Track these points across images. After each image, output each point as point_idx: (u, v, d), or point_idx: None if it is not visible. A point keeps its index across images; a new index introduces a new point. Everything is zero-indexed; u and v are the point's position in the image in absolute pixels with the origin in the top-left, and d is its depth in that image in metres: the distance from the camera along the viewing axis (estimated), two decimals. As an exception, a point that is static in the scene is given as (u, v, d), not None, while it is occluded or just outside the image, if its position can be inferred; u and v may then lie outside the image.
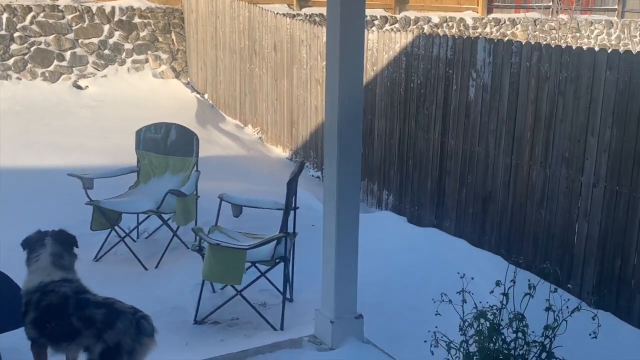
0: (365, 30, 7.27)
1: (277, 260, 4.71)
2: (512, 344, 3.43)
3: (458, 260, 5.16)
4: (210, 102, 11.16)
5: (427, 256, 5.45)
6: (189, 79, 11.75)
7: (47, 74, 10.62)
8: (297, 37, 8.53)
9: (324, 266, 3.98)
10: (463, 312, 3.55)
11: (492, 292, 3.49)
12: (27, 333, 3.23)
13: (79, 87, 10.72)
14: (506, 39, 6.00)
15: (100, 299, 3.22)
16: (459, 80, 6.05)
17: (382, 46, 7.05)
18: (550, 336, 3.39)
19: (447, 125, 6.22)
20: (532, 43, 5.39)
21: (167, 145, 6.07)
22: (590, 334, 3.35)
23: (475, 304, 3.55)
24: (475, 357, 3.41)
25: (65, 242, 3.45)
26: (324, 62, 8.01)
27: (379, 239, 5.72)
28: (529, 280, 3.50)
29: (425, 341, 3.50)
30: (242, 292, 4.66)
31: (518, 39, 10.56)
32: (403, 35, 6.74)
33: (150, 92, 11.05)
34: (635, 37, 15.91)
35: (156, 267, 5.50)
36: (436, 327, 3.60)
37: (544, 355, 3.38)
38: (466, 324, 3.53)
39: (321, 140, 8.24)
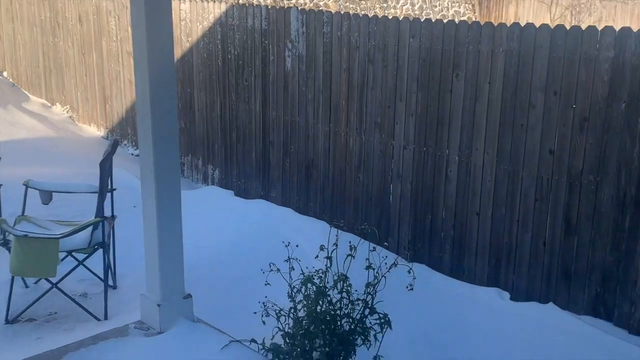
0: (178, 0, 7.00)
1: (95, 247, 4.43)
2: (338, 304, 3.56)
3: (285, 229, 5.24)
4: (11, 80, 10.13)
5: (256, 228, 5.47)
6: (-18, 56, 10.54)
7: None
8: (104, 8, 7.99)
9: (146, 248, 3.81)
10: (291, 279, 3.61)
11: (317, 257, 3.58)
12: None
13: None
14: (318, 9, 6.15)
15: None
16: (276, 50, 6.07)
17: (195, 16, 6.84)
18: (371, 293, 3.57)
19: (267, 96, 6.23)
20: (342, 13, 5.55)
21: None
22: (407, 287, 3.57)
23: (302, 270, 3.63)
24: (304, 322, 3.49)
25: None
26: (136, 34, 7.61)
27: (206, 215, 5.62)
28: (349, 242, 3.64)
29: (255, 312, 3.51)
30: (57, 284, 4.32)
31: (329, 9, 10.86)
32: (216, 6, 6.59)
33: None
34: (436, 6, 17.14)
35: (-46, 267, 4.90)
36: (266, 297, 3.63)
37: (367, 311, 3.56)
38: (294, 290, 3.60)
39: (139, 116, 7.86)
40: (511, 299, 4.64)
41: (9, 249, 4.28)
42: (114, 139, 4.86)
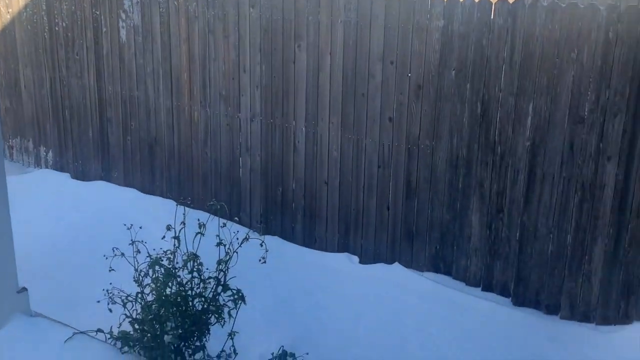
0: (-8, -34, 6.30)
1: None
2: (189, 285, 3.46)
3: (130, 211, 5.00)
4: None
5: (97, 211, 5.16)
6: None
7: None
8: None
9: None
10: (137, 263, 3.44)
11: (163, 237, 3.44)
12: None
13: None
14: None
15: None
16: (108, 22, 5.69)
17: (15, -16, 6.21)
18: (223, 270, 3.51)
19: (102, 70, 5.85)
20: (179, -19, 5.31)
21: None
22: (260, 260, 3.55)
23: (148, 252, 3.47)
24: (153, 306, 3.36)
25: None
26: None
27: (40, 200, 5.20)
28: (198, 220, 3.53)
29: (98, 301, 3.31)
30: None
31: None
32: (39, -28, 6.02)
33: None
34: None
35: None
36: (110, 283, 3.43)
37: (219, 289, 3.49)
38: (142, 274, 3.44)
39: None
40: (360, 262, 4.81)
41: None
42: None
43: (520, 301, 4.25)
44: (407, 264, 4.65)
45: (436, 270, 4.58)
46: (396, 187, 4.62)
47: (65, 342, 3.34)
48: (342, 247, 4.92)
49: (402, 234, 4.66)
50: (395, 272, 4.59)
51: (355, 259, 4.84)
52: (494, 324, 4.07)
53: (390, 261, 4.72)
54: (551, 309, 4.15)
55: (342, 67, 4.66)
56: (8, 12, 6.35)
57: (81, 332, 3.42)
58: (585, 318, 4.05)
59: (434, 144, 4.42)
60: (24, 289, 3.60)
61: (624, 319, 3.96)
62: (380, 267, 4.69)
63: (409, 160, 4.53)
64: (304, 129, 4.91)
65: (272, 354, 3.70)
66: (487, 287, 4.38)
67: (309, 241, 5.05)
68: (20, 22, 6.30)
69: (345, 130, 4.74)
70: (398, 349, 4.00)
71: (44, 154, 6.51)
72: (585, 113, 3.87)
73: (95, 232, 4.82)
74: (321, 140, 4.85)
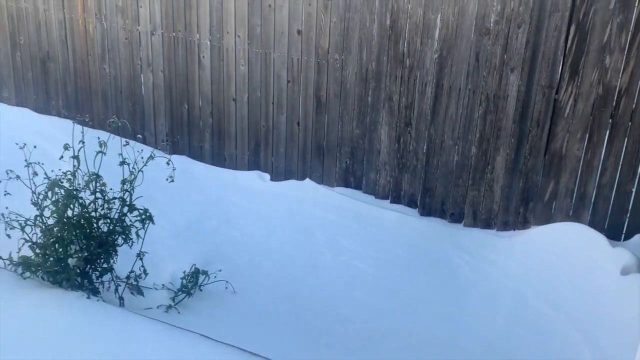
0: None
1: None
2: (92, 206, 3.31)
3: (23, 132, 4.66)
4: None
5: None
6: None
7: None
8: None
9: None
10: (34, 185, 3.24)
11: (61, 157, 3.24)
12: None
13: None
14: None
15: None
16: None
17: None
18: (129, 189, 3.37)
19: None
20: None
21: None
22: (167, 179, 3.44)
23: (46, 174, 3.27)
24: (55, 229, 3.20)
25: None
26: None
27: None
28: (98, 138, 3.35)
29: (-5, 224, 3.11)
30: None
31: None
32: None
33: None
34: None
35: None
36: (7, 207, 3.23)
37: (125, 209, 3.37)
38: (40, 196, 3.26)
39: None
40: (271, 179, 4.78)
41: None
42: None
43: (427, 211, 4.39)
44: (319, 180, 4.67)
45: (347, 184, 4.62)
46: (306, 103, 4.55)
47: (-43, 272, 3.15)
48: (253, 165, 4.86)
49: (313, 149, 4.64)
50: (307, 188, 4.60)
51: (267, 176, 4.80)
52: (402, 234, 4.20)
53: (301, 177, 4.72)
54: (455, 217, 4.33)
55: (247, -24, 4.43)
56: None
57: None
58: (487, 225, 4.25)
59: (343, 57, 4.35)
60: None
61: (523, 224, 4.19)
62: (291, 183, 4.69)
63: (318, 74, 4.45)
64: (208, 43, 4.69)
65: (184, 272, 3.66)
66: (396, 199, 4.49)
67: (219, 160, 4.95)
68: None
69: (252, 44, 4.57)
70: (310, 260, 4.07)
71: None
72: (491, 24, 3.91)
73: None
74: (227, 54, 4.66)
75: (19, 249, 3.15)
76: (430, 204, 4.38)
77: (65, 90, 5.31)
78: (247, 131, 4.80)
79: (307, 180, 4.68)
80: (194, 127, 4.97)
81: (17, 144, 3.22)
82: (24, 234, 3.17)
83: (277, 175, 4.79)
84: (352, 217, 4.36)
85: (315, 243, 4.17)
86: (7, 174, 3.22)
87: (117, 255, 3.39)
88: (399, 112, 4.32)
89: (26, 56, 5.37)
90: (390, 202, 4.50)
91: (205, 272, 3.68)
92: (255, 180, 4.75)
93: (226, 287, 3.76)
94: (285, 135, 4.68)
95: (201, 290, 3.69)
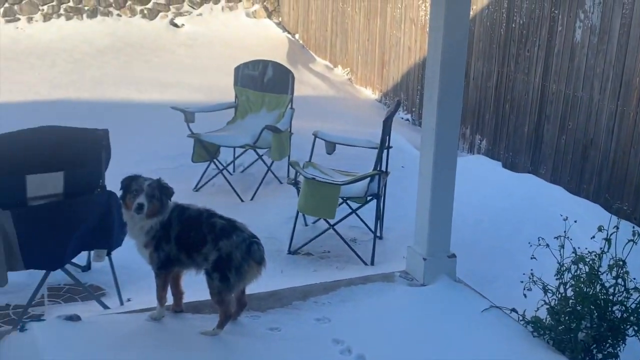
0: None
1: (368, 198, 4.78)
2: (611, 290, 3.38)
3: (554, 207, 5.05)
4: (301, 42, 11.17)
5: (522, 202, 5.36)
6: (280, 19, 11.78)
7: (145, 11, 10.93)
8: (393, -24, 8.34)
9: (418, 204, 4.02)
10: (562, 256, 3.52)
11: (593, 237, 3.43)
12: (162, 254, 3.24)
13: (175, 25, 10.99)
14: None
15: (226, 217, 3.32)
16: (565, 21, 5.77)
17: (482, -16, 6.79)
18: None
19: (549, 68, 5.98)
20: (650, -19, 5.04)
21: (263, 82, 6.19)
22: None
23: (574, 248, 3.51)
24: (571, 301, 3.39)
25: (162, 192, 3.24)
26: (420, 1, 7.82)
27: (472, 182, 5.66)
28: (633, 227, 3.42)
29: (522, 282, 3.50)
30: (334, 227, 4.79)
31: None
32: (506, -27, 6.45)
33: (242, 32, 11.18)
34: None
35: (251, 199, 5.71)
36: (531, 270, 3.59)
37: (645, 302, 3.32)
38: (563, 268, 3.51)
39: (413, 82, 8.13)
40: None
41: (297, 189, 4.85)
42: (397, 100, 5.14)
43: None
44: None
45: None
46: None
47: (482, 311, 3.65)
48: None
49: None
50: None
51: None
52: None
53: None
54: None
55: None
56: (472, 8, 6.99)
57: (497, 307, 3.68)
58: None
59: None
60: (453, 255, 4.04)
61: None
62: None
63: None
64: None
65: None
66: None
67: None
68: (480, 18, 6.87)
69: None
70: None
71: (478, 141, 7.03)
72: None
73: (518, 220, 5.03)
74: None
75: (537, 309, 3.46)
76: None
77: (600, 177, 5.50)
78: None
79: None
80: None
81: (560, 215, 3.55)
82: (545, 296, 3.46)
83: None
84: None
85: None
86: (538, 240, 3.56)
87: (624, 344, 3.36)
88: None
89: (570, 140, 5.80)
90: None
91: None
92: None
93: None
94: None
95: None
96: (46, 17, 10.45)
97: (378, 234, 5.02)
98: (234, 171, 6.28)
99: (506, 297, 3.98)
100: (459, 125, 3.93)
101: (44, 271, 3.75)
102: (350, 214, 4.94)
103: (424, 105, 3.93)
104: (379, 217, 4.96)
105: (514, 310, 3.61)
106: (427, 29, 4.00)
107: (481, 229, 5.08)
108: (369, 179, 4.72)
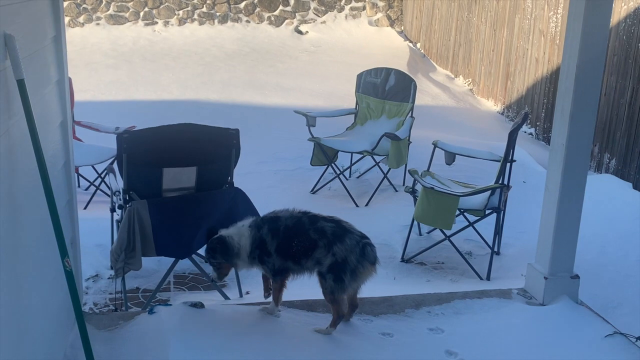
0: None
1: (487, 211, 4.68)
2: None
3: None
4: (422, 51, 11.13)
5: (652, 226, 5.03)
6: (402, 28, 11.80)
7: (272, 18, 11.35)
8: (523, -15, 8.11)
9: (542, 220, 3.88)
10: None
11: None
12: (270, 265, 3.32)
13: (300, 32, 11.33)
14: None
15: (327, 216, 3.35)
16: None
17: (621, -4, 6.45)
18: None
19: (693, 85, 5.58)
20: None
21: (385, 89, 6.23)
22: None
23: None
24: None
25: (221, 253, 3.33)
26: (551, 12, 7.55)
27: (599, 202, 5.39)
28: None
29: (651, 310, 3.30)
30: (450, 238, 4.73)
31: None
32: (649, -16, 6.09)
33: (364, 40, 11.32)
34: None
35: (366, 205, 5.76)
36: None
37: None
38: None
39: (539, 95, 7.86)
40: None
41: (414, 197, 4.84)
42: (524, 112, 5.00)
43: None
44: None
45: None
46: None
47: (604, 337, 3.47)
48: None
49: None
50: None
51: None
52: None
53: None
54: None
55: None
56: (607, 22, 6.65)
57: (622, 334, 3.49)
58: None
59: None
60: (577, 276, 3.86)
61: None
62: None
63: None
64: None
65: None
66: None
67: None
68: (616, 31, 6.53)
69: None
70: None
71: (607, 160, 6.67)
72: None
73: (647, 246, 4.74)
74: None
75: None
76: None
77: None
78: None
79: None
80: None
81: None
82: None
83: None
84: None
85: None
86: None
87: None
88: None
89: None
90: None
91: None
92: None
93: None
94: None
95: None
96: (181, 22, 11.13)
97: (495, 249, 4.89)
98: (350, 176, 6.37)
99: (631, 325, 3.78)
100: (591, 142, 3.76)
101: (172, 259, 3.99)
102: (467, 226, 4.86)
103: (555, 119, 3.80)
104: (498, 231, 4.84)
105: (639, 339, 3.41)
106: (558, 41, 3.87)
107: (607, 252, 4.82)
108: (489, 192, 4.62)
